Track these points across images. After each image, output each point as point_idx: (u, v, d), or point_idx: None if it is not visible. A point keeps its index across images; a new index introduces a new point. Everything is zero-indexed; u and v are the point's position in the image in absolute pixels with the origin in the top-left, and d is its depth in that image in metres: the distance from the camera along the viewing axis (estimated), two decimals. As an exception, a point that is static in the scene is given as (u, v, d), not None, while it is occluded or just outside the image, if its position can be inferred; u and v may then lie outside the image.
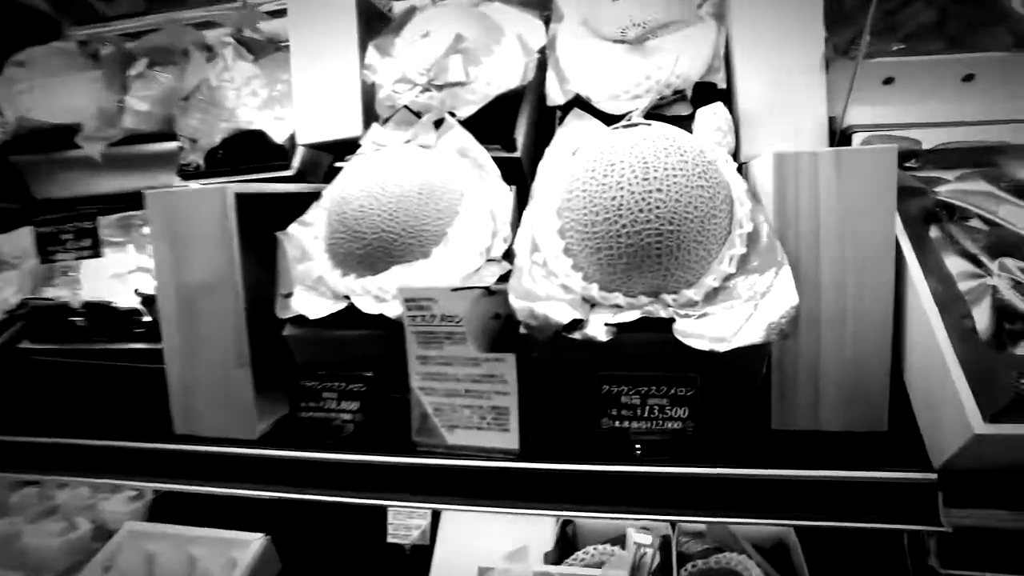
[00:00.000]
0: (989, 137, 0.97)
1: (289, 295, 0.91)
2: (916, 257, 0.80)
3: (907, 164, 0.94)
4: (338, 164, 1.05)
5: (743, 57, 1.07)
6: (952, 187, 0.88)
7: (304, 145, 1.23)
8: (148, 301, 1.16)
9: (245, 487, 0.91)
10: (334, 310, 0.87)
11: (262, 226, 0.97)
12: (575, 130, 1.01)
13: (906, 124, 1.02)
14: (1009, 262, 0.79)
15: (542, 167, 0.98)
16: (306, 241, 0.97)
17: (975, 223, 0.85)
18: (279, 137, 1.24)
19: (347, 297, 0.88)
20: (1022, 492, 0.72)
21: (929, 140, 0.98)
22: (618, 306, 0.80)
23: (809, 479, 0.74)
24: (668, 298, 0.79)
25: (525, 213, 0.93)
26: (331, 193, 0.93)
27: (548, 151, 1.00)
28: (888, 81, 1.05)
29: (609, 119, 1.00)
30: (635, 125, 0.87)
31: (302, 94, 1.23)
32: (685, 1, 1.08)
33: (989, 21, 1.10)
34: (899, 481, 0.71)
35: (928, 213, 0.86)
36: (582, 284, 0.81)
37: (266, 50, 1.34)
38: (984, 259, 0.81)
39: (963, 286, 0.78)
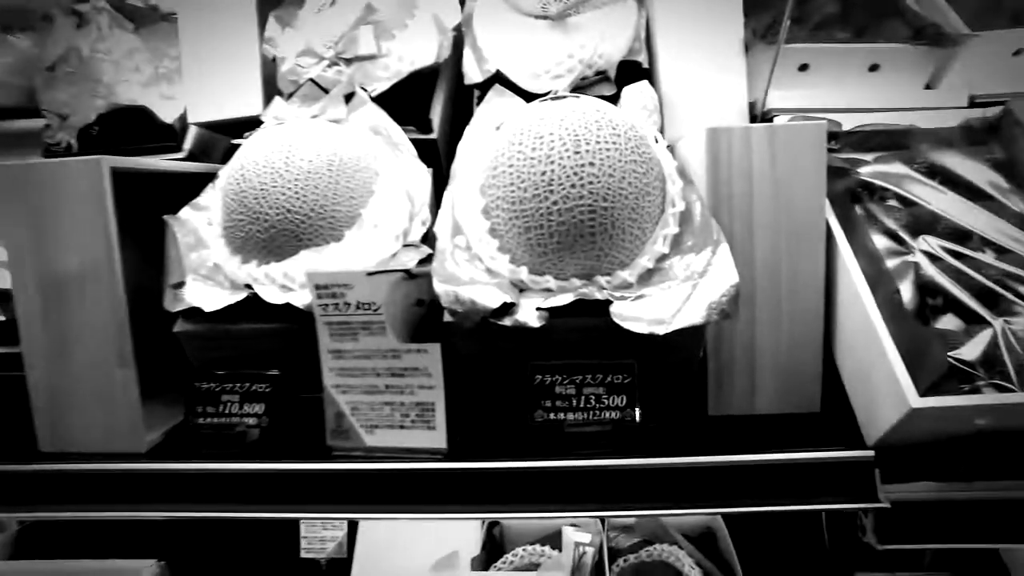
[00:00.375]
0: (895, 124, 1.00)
1: (180, 285, 0.80)
2: (844, 235, 0.79)
3: (829, 146, 0.95)
4: (236, 141, 0.94)
5: (665, 40, 1.05)
6: (871, 168, 0.88)
7: (197, 125, 1.11)
8: (1, 297, 1.00)
9: (133, 508, 0.79)
10: (233, 301, 0.77)
11: (146, 209, 0.86)
12: (497, 107, 0.96)
13: (821, 109, 1.03)
14: (929, 239, 0.80)
15: (462, 146, 0.92)
16: (200, 226, 0.86)
17: (893, 203, 0.86)
18: (168, 117, 1.11)
19: (248, 286, 0.79)
20: (950, 463, 0.72)
21: (843, 125, 0.99)
22: (549, 290, 0.75)
23: (749, 464, 0.72)
24: (602, 280, 0.74)
25: (445, 193, 0.87)
26: (228, 171, 0.83)
27: (468, 129, 0.94)
28: (803, 67, 1.06)
29: (530, 98, 0.96)
30: (563, 98, 0.82)
31: (194, 69, 1.11)
32: (606, -22, 1.05)
33: (888, 14, 1.14)
34: (838, 460, 0.70)
35: (852, 193, 0.86)
36: (510, 267, 0.76)
37: (148, 19, 1.20)
38: (905, 236, 0.81)
39: (888, 263, 0.79)
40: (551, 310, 0.71)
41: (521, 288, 0.76)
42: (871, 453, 0.70)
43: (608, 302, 0.71)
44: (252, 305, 0.77)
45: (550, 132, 0.74)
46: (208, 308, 0.76)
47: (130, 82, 1.16)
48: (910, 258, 0.79)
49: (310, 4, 1.06)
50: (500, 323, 0.71)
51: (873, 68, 1.05)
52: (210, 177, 0.94)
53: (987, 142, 0.91)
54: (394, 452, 0.75)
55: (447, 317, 0.73)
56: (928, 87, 1.08)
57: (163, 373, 0.83)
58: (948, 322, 0.75)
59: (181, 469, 0.78)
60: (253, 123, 1.00)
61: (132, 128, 1.10)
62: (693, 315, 0.67)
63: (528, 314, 0.71)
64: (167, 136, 1.10)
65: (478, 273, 0.77)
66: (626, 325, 0.68)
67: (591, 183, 0.71)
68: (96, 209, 0.77)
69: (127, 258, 0.79)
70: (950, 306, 0.75)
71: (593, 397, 0.75)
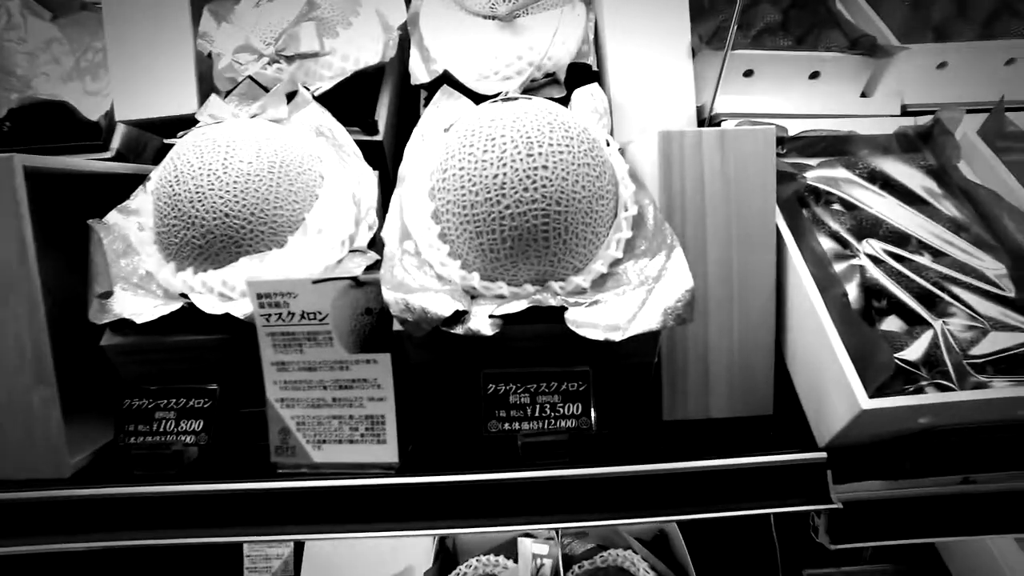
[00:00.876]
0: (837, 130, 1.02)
1: (107, 295, 0.75)
2: (793, 238, 0.81)
3: (776, 151, 0.96)
4: (169, 141, 0.89)
5: (614, 43, 1.05)
6: (816, 173, 0.90)
7: (125, 123, 1.04)
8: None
9: (57, 540, 0.73)
10: (167, 312, 0.72)
11: (68, 214, 0.80)
12: (445, 109, 0.94)
13: (766, 114, 1.05)
14: (873, 242, 0.82)
15: (410, 148, 0.89)
16: (130, 231, 0.81)
17: (838, 207, 0.88)
18: (92, 114, 1.04)
19: (184, 296, 0.74)
20: (896, 462, 0.74)
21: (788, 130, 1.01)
22: (502, 296, 0.73)
23: (705, 470, 0.72)
24: (556, 285, 0.73)
25: (393, 197, 0.84)
26: (161, 173, 0.77)
27: (416, 131, 0.91)
28: (748, 73, 1.08)
29: (479, 100, 0.94)
30: (514, 99, 0.80)
31: (121, 63, 1.04)
32: (555, -21, 1.04)
33: (826, 24, 1.17)
34: (792, 463, 0.71)
35: (799, 197, 0.88)
36: (461, 273, 0.74)
37: (67, 7, 1.12)
38: (850, 240, 0.83)
39: (835, 267, 0.80)
40: (504, 317, 0.70)
41: (473, 295, 0.74)
42: (823, 455, 0.71)
43: (562, 308, 0.70)
44: (189, 316, 0.72)
45: (502, 134, 0.72)
46: (140, 320, 0.71)
47: (49, 75, 1.09)
48: (855, 261, 0.81)
49: (248, -2, 1.01)
50: (452, 332, 0.68)
51: (814, 75, 1.08)
52: (140, 179, 0.89)
53: (920, 149, 0.95)
54: (343, 468, 0.72)
55: (397, 326, 0.71)
56: (864, 95, 1.11)
57: (89, 390, 0.77)
58: (892, 323, 0.77)
59: (111, 494, 0.72)
60: (187, 122, 0.94)
61: (51, 125, 1.02)
62: (649, 321, 0.67)
63: (481, 322, 0.69)
64: (91, 134, 1.03)
65: (428, 280, 0.75)
66: (581, 332, 0.67)
67: (544, 186, 0.70)
68: (8, 212, 0.71)
69: (46, 266, 0.73)
70: (893, 308, 0.78)
71: (548, 406, 0.74)
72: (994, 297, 0.78)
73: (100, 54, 1.11)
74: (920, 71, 1.09)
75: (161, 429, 0.73)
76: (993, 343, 0.74)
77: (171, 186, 0.74)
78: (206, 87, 1.03)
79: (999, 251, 0.82)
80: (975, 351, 0.73)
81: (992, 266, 0.80)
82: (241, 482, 0.71)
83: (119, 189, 0.88)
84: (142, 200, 0.85)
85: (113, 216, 0.84)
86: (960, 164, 0.91)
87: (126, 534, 0.72)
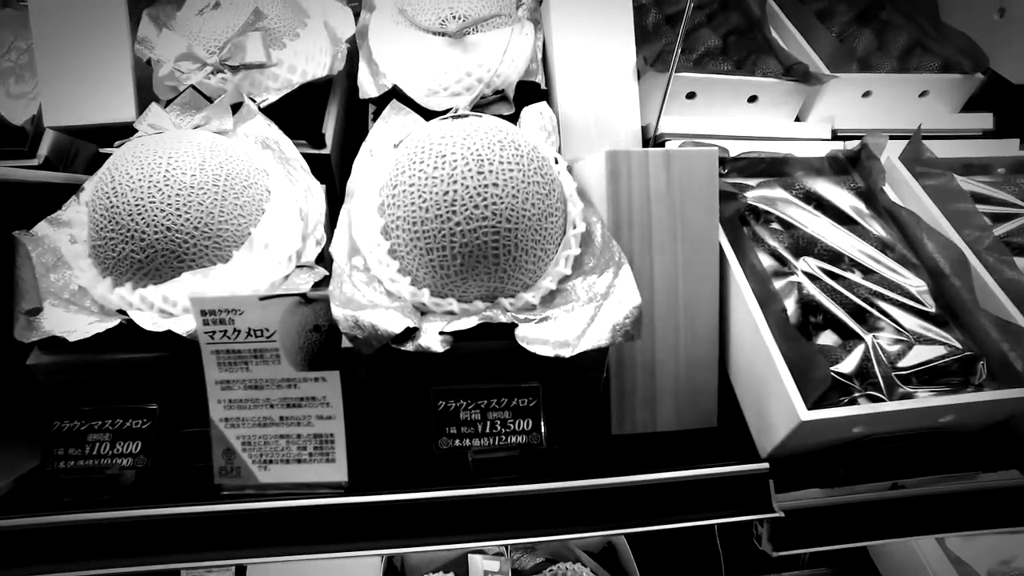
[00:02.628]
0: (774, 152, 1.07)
1: (35, 312, 0.71)
2: (735, 256, 0.84)
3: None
4: (106, 150, 0.85)
5: (562, 63, 1.06)
6: (756, 193, 0.94)
7: (54, 129, 0.99)
8: None
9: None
10: (103, 329, 0.68)
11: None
12: (394, 124, 0.93)
13: (708, 135, 1.09)
14: (809, 260, 0.86)
15: (359, 163, 0.89)
16: (61, 244, 0.77)
17: (776, 225, 0.92)
18: (17, 118, 0.99)
19: (122, 312, 0.71)
20: (832, 470, 0.77)
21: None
22: (452, 312, 0.73)
23: (653, 483, 0.73)
24: (505, 302, 0.74)
25: (342, 212, 0.83)
26: (96, 183, 0.74)
27: (365, 146, 0.91)
28: (691, 95, 1.12)
29: (427, 114, 0.94)
30: (464, 116, 0.81)
31: (51, 65, 0.99)
32: (504, 0, 1.05)
33: (763, 51, 1.22)
34: (736, 475, 0.73)
35: (740, 216, 0.91)
36: (411, 289, 0.73)
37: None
38: (788, 257, 0.87)
39: (774, 283, 0.83)
40: (455, 334, 0.70)
41: (423, 311, 0.74)
42: (766, 466, 0.73)
43: (513, 325, 0.71)
44: (125, 333, 0.69)
45: (452, 152, 0.72)
46: (73, 337, 0.68)
47: (-33, 77, 1.03)
48: (793, 278, 0.84)
49: (191, 5, 0.98)
50: (403, 348, 0.68)
51: (752, 99, 1.13)
52: (71, 188, 0.85)
53: (850, 172, 1.00)
54: (290, 488, 0.70)
55: (346, 343, 0.70)
56: (798, 119, 1.17)
57: (13, 412, 0.73)
58: (827, 338, 0.81)
59: (36, 523, 0.67)
60: (124, 130, 0.90)
61: (-32, 129, 0.97)
62: (598, 337, 0.68)
63: (431, 339, 0.69)
64: (15, 140, 0.98)
65: (377, 296, 0.74)
66: (532, 348, 0.67)
67: (495, 204, 0.71)
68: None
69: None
70: (828, 323, 0.81)
71: (499, 422, 0.74)
72: (917, 312, 0.83)
73: (25, 55, 1.06)
74: (848, 99, 1.15)
75: (95, 452, 0.70)
76: (917, 356, 0.78)
77: (108, 198, 0.71)
78: (145, 95, 0.99)
79: (920, 269, 0.87)
80: (902, 363, 0.77)
81: (915, 283, 0.85)
82: (181, 505, 0.68)
83: (47, 199, 0.83)
84: (75, 211, 0.81)
85: (42, 227, 0.80)
86: (885, 187, 0.96)
87: (54, 566, 0.67)
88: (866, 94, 1.16)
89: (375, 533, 0.71)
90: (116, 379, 0.72)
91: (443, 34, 0.99)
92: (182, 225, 0.70)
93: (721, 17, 1.31)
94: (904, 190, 0.98)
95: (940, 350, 0.78)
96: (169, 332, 0.68)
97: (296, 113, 0.96)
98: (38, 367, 0.70)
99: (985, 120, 1.17)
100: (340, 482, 0.70)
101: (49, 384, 0.72)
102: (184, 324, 0.68)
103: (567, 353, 0.67)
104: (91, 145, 1.05)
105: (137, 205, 0.69)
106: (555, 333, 0.69)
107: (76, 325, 0.69)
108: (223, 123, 0.85)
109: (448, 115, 0.83)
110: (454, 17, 0.99)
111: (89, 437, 0.71)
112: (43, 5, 0.99)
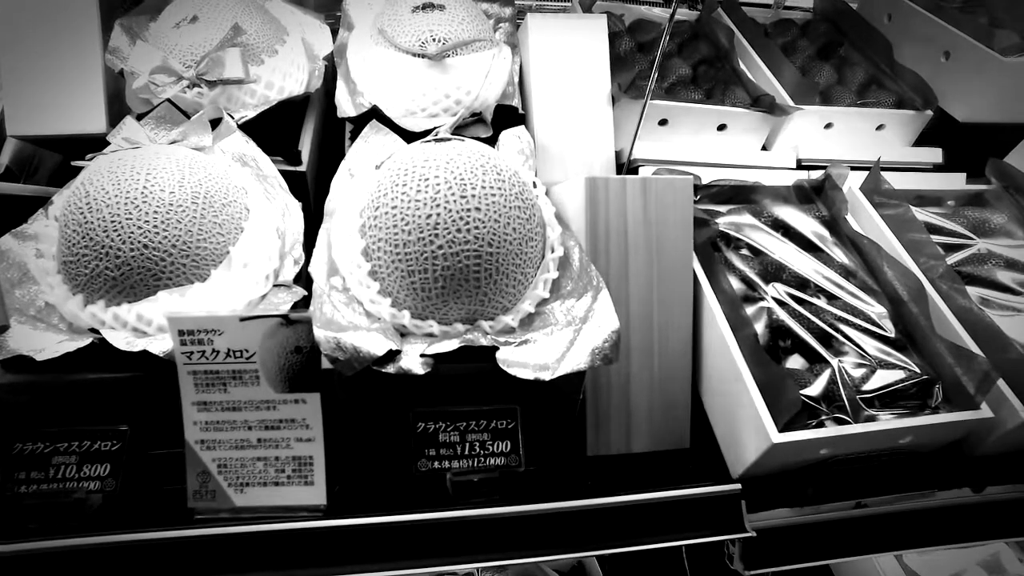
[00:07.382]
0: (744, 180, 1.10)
1: (1, 329, 0.69)
2: (708, 281, 0.86)
3: (691, 198, 1.03)
4: (77, 164, 0.83)
5: (539, 88, 1.09)
6: (727, 219, 0.97)
7: (17, 137, 0.96)
8: None
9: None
10: (74, 348, 0.66)
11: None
12: (374, 144, 0.93)
13: (679, 161, 1.12)
14: (778, 286, 0.89)
15: (338, 182, 0.89)
16: (27, 258, 0.75)
17: (746, 252, 0.95)
18: (-25, 126, 0.96)
19: (94, 331, 0.69)
20: (799, 491, 0.79)
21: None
22: (432, 335, 0.74)
23: (628, 504, 0.74)
24: (485, 325, 0.74)
25: (321, 232, 0.83)
26: (69, 198, 0.72)
27: (343, 165, 0.91)
28: (663, 122, 1.15)
29: (407, 135, 0.94)
30: (446, 140, 0.82)
31: (15, 72, 0.96)
32: (483, 24, 1.07)
33: (731, 81, 1.27)
34: (709, 496, 0.74)
35: (712, 242, 0.94)
36: (391, 311, 0.73)
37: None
38: (758, 282, 0.90)
39: (745, 308, 0.86)
40: (436, 356, 0.70)
41: (403, 333, 0.74)
42: (738, 486, 0.75)
43: (493, 348, 0.71)
44: (96, 352, 0.67)
45: (436, 175, 0.73)
46: (42, 356, 0.65)
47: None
48: (763, 303, 0.87)
49: (167, 17, 0.97)
50: (384, 371, 0.68)
51: (721, 127, 1.16)
52: (34, 200, 0.82)
53: (814, 201, 1.04)
54: (267, 512, 0.68)
55: (326, 364, 0.69)
56: (765, 148, 1.21)
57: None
58: (795, 361, 0.84)
59: (-5, 550, 0.65)
60: (94, 142, 0.88)
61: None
62: (577, 360, 0.69)
63: (412, 361, 0.69)
64: (-26, 148, 0.95)
65: (357, 317, 0.74)
66: (512, 371, 0.68)
67: (477, 228, 0.72)
68: None
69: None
70: (797, 347, 0.84)
71: (478, 444, 0.74)
72: (878, 336, 0.86)
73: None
74: (811, 129, 1.20)
75: (60, 476, 0.68)
76: (879, 379, 0.81)
77: (82, 213, 0.69)
78: (116, 107, 0.97)
79: (880, 295, 0.91)
80: (866, 387, 0.80)
81: (876, 309, 0.88)
82: (152, 531, 0.66)
83: (10, 210, 0.81)
84: (42, 225, 0.79)
85: (7, 241, 0.77)
86: (848, 216, 1.00)
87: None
88: (828, 125, 1.21)
89: (354, 556, 0.70)
90: (85, 400, 0.69)
91: (422, 56, 1.00)
92: (160, 243, 0.69)
93: (692, 47, 1.36)
94: (864, 219, 1.03)
95: (900, 374, 0.82)
96: (143, 352, 0.67)
97: (272, 129, 0.96)
98: (1, 387, 0.68)
99: (935, 154, 1.24)
100: (319, 504, 0.69)
101: (11, 404, 0.69)
102: (160, 344, 0.67)
103: (547, 376, 0.67)
104: (55, 155, 1.02)
105: (113, 221, 0.68)
106: (535, 356, 0.70)
107: (44, 343, 0.67)
108: (201, 139, 0.84)
109: (430, 138, 0.84)
110: (434, 40, 1.00)
111: (54, 460, 0.68)
112: (8, 8, 0.96)
